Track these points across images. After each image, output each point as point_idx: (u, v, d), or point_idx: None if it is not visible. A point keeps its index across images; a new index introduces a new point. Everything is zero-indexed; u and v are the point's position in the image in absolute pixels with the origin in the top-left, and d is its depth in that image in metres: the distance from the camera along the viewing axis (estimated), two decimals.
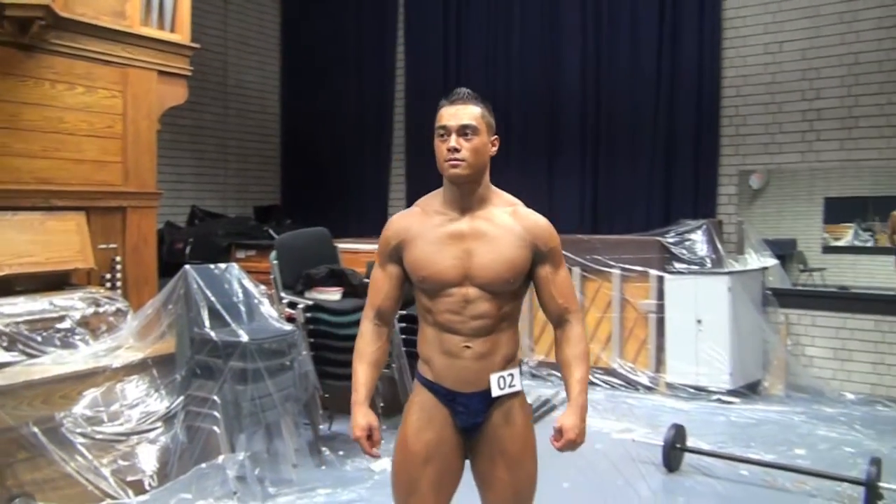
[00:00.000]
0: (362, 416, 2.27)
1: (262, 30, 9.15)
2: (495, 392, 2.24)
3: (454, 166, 2.18)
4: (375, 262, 2.40)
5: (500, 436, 2.27)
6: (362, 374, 2.32)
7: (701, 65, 6.79)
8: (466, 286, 2.20)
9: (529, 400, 5.53)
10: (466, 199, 2.24)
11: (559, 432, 2.21)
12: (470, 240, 2.22)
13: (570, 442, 2.19)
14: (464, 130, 2.19)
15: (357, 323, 4.61)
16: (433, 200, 2.32)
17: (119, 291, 4.73)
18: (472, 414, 2.27)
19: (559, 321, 2.33)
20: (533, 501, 2.36)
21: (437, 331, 2.26)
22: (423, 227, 2.27)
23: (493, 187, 2.31)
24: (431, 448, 2.28)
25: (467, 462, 2.36)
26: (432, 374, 2.29)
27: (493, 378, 2.24)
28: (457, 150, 2.18)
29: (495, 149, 2.29)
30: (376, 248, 2.40)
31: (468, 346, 2.22)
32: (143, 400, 3.98)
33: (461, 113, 2.21)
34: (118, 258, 4.82)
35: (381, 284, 2.36)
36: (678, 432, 4.50)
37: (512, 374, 2.27)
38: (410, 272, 2.28)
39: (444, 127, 2.22)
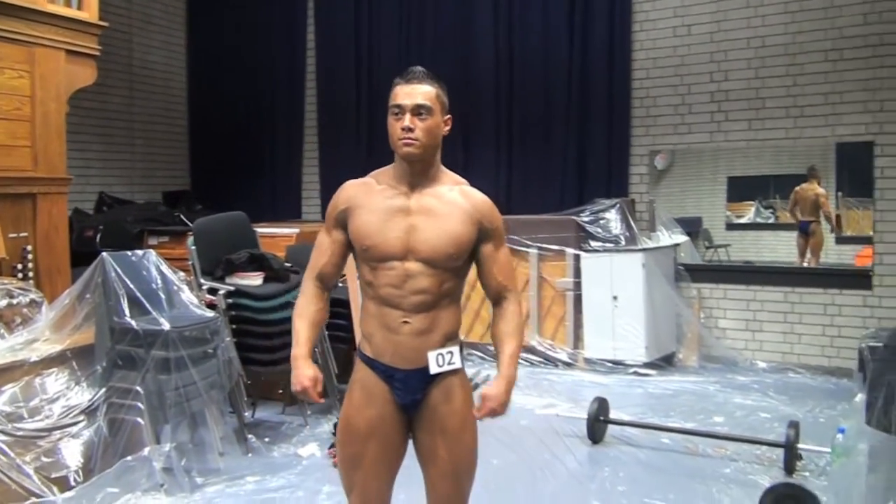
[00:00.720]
0: (308, 367, 2.26)
1: (167, 7, 8.82)
2: (433, 369, 2.27)
3: (407, 145, 2.21)
4: (323, 228, 2.40)
5: (441, 413, 2.30)
6: (304, 331, 2.32)
7: (612, 47, 6.92)
8: (408, 260, 2.22)
9: None
10: (416, 177, 2.27)
11: (483, 400, 2.25)
12: (415, 215, 2.25)
13: (490, 410, 2.24)
14: (418, 110, 2.22)
15: (280, 307, 4.69)
16: (385, 174, 2.34)
17: (31, 282, 4.52)
18: (409, 391, 2.29)
19: (497, 299, 2.37)
20: (473, 476, 2.40)
21: (378, 305, 2.27)
22: (370, 197, 2.29)
23: (443, 167, 2.35)
24: (374, 424, 2.29)
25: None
26: (371, 351, 2.31)
27: (432, 355, 2.26)
28: (411, 130, 2.20)
29: (448, 128, 2.33)
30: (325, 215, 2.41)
31: (407, 322, 2.24)
32: (63, 393, 3.82)
33: (416, 92, 2.23)
34: (29, 247, 4.60)
35: (325, 248, 2.37)
36: (601, 405, 4.62)
37: (451, 352, 2.29)
38: (354, 241, 2.29)
39: (398, 106, 2.23)
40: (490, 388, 2.25)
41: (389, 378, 2.29)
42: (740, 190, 7.01)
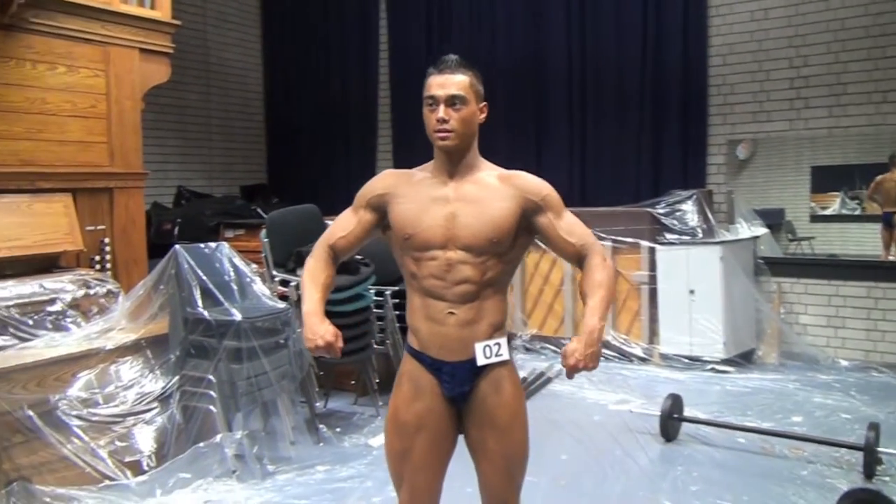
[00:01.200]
0: (324, 322, 2.20)
1: (242, 5, 9.01)
2: (480, 361, 2.22)
3: (443, 138, 2.19)
4: (351, 207, 2.38)
5: (489, 405, 2.26)
6: (316, 291, 2.27)
7: (686, 33, 6.76)
8: (450, 249, 2.19)
9: (524, 374, 5.62)
10: (455, 166, 2.25)
11: (562, 358, 2.18)
12: (455, 202, 2.22)
13: (570, 367, 2.14)
14: (452, 101, 2.19)
15: (351, 299, 4.71)
16: (425, 167, 2.33)
17: (109, 273, 4.67)
18: (457, 383, 2.25)
19: (580, 261, 2.29)
20: (525, 469, 2.36)
21: (422, 297, 2.24)
22: (410, 188, 2.27)
23: (481, 157, 2.31)
24: (422, 417, 2.27)
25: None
26: (418, 344, 2.28)
27: (479, 347, 2.22)
28: (445, 121, 2.18)
29: (484, 115, 2.29)
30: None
31: (452, 313, 2.21)
32: (137, 381, 3.93)
33: (449, 82, 2.20)
34: (107, 240, 4.76)
35: (346, 224, 2.36)
36: (675, 402, 4.51)
37: (499, 344, 2.25)
38: (395, 230, 2.27)
39: (432, 97, 2.21)
40: (571, 342, 2.17)
41: (437, 371, 2.26)
42: (825, 180, 6.75)
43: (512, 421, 2.28)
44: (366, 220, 2.34)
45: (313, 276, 2.31)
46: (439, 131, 2.19)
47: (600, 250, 2.29)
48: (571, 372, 2.16)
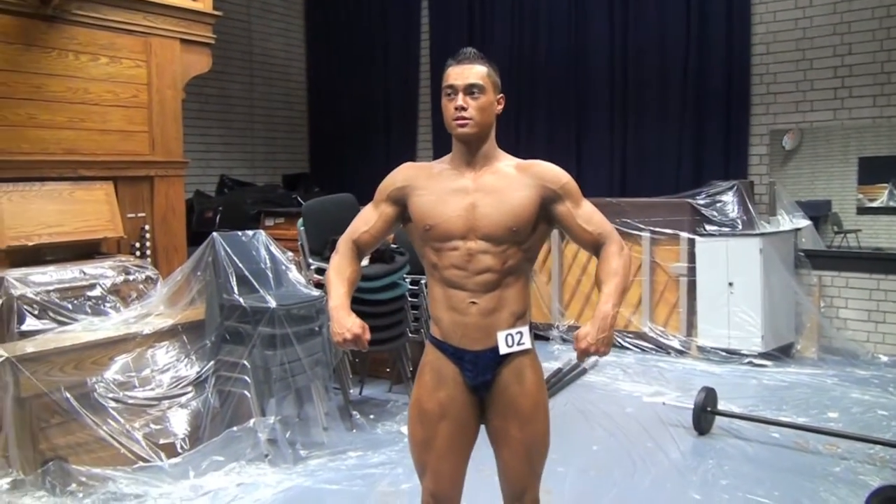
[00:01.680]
0: (351, 315, 2.24)
1: None
2: (503, 350, 2.24)
3: (462, 125, 2.22)
4: (372, 202, 2.41)
5: (512, 394, 2.28)
6: (342, 286, 2.32)
7: (730, 21, 6.66)
8: (470, 239, 2.21)
9: (560, 364, 5.61)
10: (473, 156, 2.28)
11: (574, 341, 2.20)
12: (475, 193, 2.24)
13: (582, 351, 2.16)
14: (470, 89, 2.22)
15: (385, 288, 4.75)
16: (443, 160, 2.36)
17: (149, 260, 4.78)
18: (480, 372, 2.27)
19: (596, 250, 2.31)
20: (546, 457, 2.38)
21: (444, 287, 2.27)
22: (430, 180, 2.30)
23: (499, 148, 2.33)
24: (445, 406, 2.29)
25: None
26: (441, 333, 2.31)
27: (501, 335, 2.24)
28: (464, 109, 2.21)
29: (501, 107, 2.32)
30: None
31: (474, 302, 2.23)
32: (173, 365, 4.02)
33: (468, 72, 2.24)
34: (147, 227, 4.87)
35: (370, 218, 2.40)
36: (708, 395, 4.47)
37: (521, 332, 2.26)
38: (416, 221, 2.30)
39: (451, 86, 2.24)
40: (583, 327, 2.19)
41: (459, 360, 2.28)
42: (873, 171, 6.59)
43: (534, 410, 2.30)
44: (387, 213, 2.37)
45: (339, 272, 2.36)
46: (458, 118, 2.22)
47: (618, 239, 2.30)
48: (582, 355, 2.19)
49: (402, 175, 2.36)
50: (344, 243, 2.41)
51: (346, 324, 2.21)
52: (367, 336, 2.23)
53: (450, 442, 2.30)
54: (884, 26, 6.04)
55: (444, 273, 2.25)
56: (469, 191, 2.24)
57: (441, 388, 2.30)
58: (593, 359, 5.66)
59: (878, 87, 6.10)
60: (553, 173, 2.28)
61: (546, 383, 2.42)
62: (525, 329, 2.28)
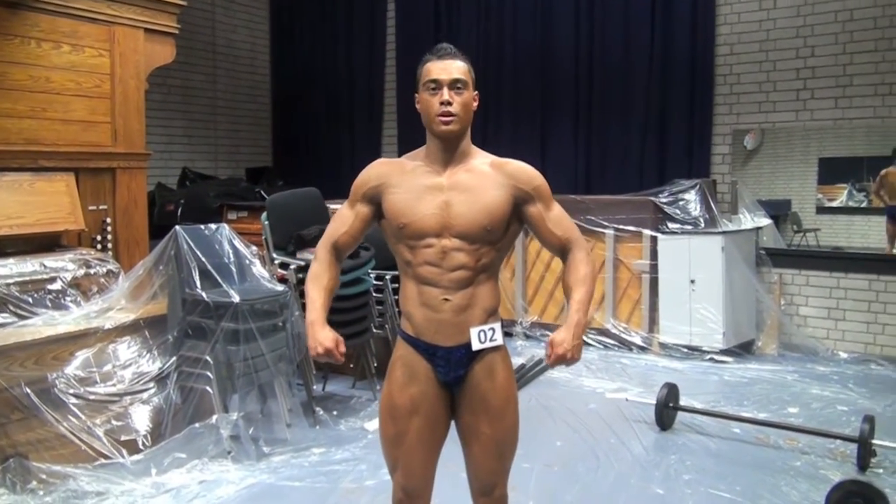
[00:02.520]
0: (326, 330, 2.24)
1: None
2: (476, 346, 2.25)
3: (447, 123, 2.20)
4: (346, 201, 2.39)
5: (483, 390, 2.29)
6: (320, 297, 2.31)
7: (695, 22, 6.72)
8: (445, 237, 2.21)
9: (523, 360, 5.63)
10: (449, 153, 2.27)
11: (549, 346, 2.20)
12: (449, 191, 2.23)
13: (558, 357, 2.17)
14: (455, 84, 2.22)
15: (350, 283, 4.72)
16: (416, 155, 2.34)
17: (110, 253, 4.70)
18: (452, 368, 2.28)
19: (563, 253, 2.34)
20: (515, 452, 2.39)
21: (417, 284, 2.26)
22: (403, 177, 2.28)
23: (473, 145, 2.33)
24: (416, 401, 2.29)
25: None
26: (413, 329, 2.30)
27: (474, 332, 2.25)
28: (449, 104, 2.20)
29: (476, 104, 2.31)
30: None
31: (447, 299, 2.23)
32: (135, 360, 3.96)
33: (451, 67, 2.23)
34: (108, 220, 4.78)
35: (346, 219, 2.37)
36: (671, 391, 4.52)
37: (493, 329, 2.27)
38: (390, 219, 2.28)
39: (434, 80, 2.22)
40: (557, 332, 2.21)
41: (431, 356, 2.28)
42: (832, 172, 6.71)
43: (505, 406, 2.31)
44: (363, 213, 2.35)
45: (317, 281, 2.34)
46: (443, 115, 2.20)
47: (584, 245, 2.34)
48: (557, 361, 2.19)
49: (375, 172, 2.34)
50: (323, 248, 2.39)
51: (318, 337, 2.22)
52: (342, 349, 2.24)
53: (421, 437, 2.30)
54: (846, 30, 6.13)
55: (417, 270, 2.25)
56: (443, 188, 2.24)
57: (413, 383, 2.30)
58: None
59: (839, 89, 6.20)
60: (527, 174, 2.29)
61: None
62: (497, 325, 2.29)
